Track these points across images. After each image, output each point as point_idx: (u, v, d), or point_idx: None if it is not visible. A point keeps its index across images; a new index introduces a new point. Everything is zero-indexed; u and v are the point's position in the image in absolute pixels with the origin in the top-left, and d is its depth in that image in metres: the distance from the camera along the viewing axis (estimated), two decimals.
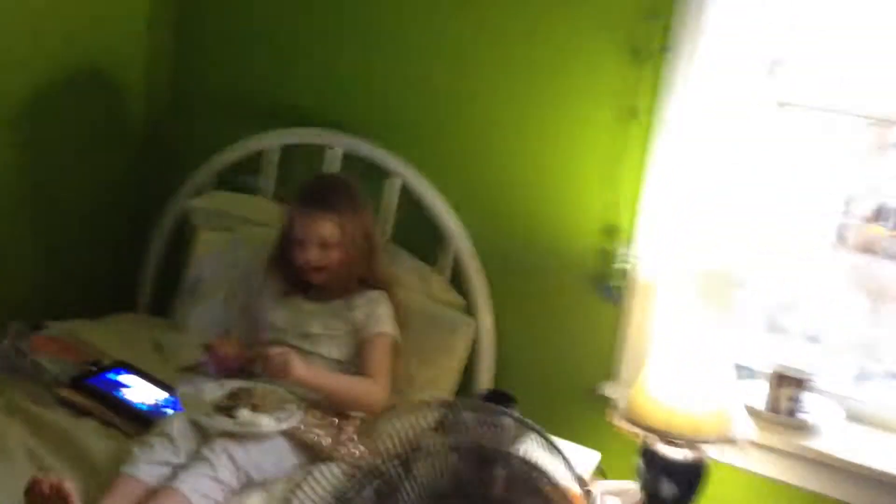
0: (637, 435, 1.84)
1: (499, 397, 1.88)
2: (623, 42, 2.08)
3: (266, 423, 1.88)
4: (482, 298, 2.32)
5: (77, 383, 2.07)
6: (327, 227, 2.08)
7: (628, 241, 2.13)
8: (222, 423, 1.85)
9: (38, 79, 2.51)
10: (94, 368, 2.15)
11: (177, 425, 1.86)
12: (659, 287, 2.12)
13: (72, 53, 2.57)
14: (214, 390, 1.95)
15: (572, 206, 2.21)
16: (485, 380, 2.30)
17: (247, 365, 2.08)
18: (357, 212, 2.12)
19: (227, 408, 1.90)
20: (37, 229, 2.61)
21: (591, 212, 2.18)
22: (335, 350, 2.11)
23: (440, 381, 2.24)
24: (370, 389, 2.06)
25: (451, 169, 2.37)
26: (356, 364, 2.10)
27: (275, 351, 1.97)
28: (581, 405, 2.22)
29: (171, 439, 1.83)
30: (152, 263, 2.71)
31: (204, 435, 1.87)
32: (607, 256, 2.16)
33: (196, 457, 1.81)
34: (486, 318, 2.31)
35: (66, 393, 2.04)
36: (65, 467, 1.80)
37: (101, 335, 2.36)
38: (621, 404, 1.91)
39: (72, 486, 1.65)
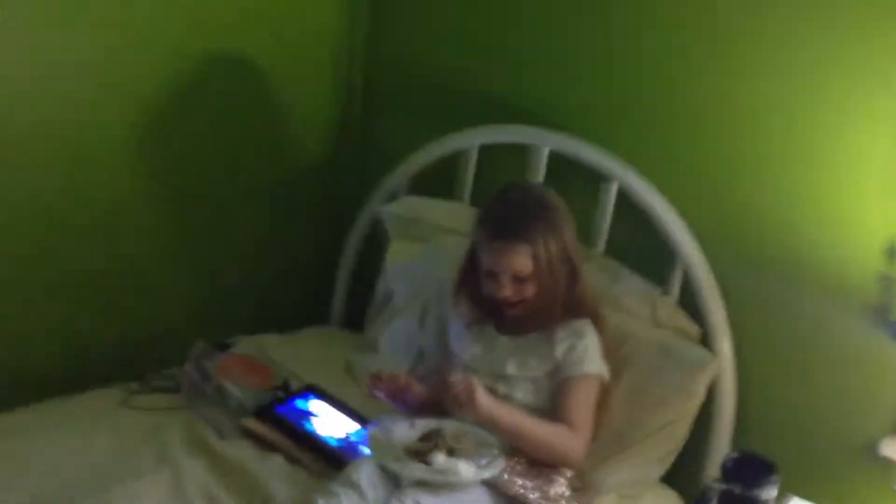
0: None
1: (755, 464, 1.50)
2: None
3: (465, 469, 1.67)
4: (721, 328, 1.92)
5: (263, 412, 1.94)
6: (520, 261, 1.78)
7: None
8: (416, 469, 1.67)
9: (219, 79, 2.38)
10: (281, 394, 2.01)
11: (365, 473, 1.67)
12: None
13: (258, 51, 2.43)
14: (405, 431, 1.76)
15: (843, 219, 1.79)
16: (724, 431, 1.92)
17: (432, 400, 1.84)
18: (554, 234, 1.80)
19: (420, 452, 1.71)
20: (225, 236, 2.52)
21: (869, 227, 1.75)
22: (531, 395, 1.83)
23: (674, 429, 1.88)
24: (568, 439, 1.76)
25: (682, 170, 2.01)
26: (554, 410, 1.81)
27: (456, 378, 1.72)
28: (855, 468, 1.80)
29: (358, 490, 1.64)
30: (345, 273, 2.56)
31: (395, 482, 1.67)
32: (891, 284, 1.72)
33: None
34: (726, 353, 1.92)
35: (251, 423, 1.91)
36: None
37: (291, 353, 2.23)
38: None
39: None
